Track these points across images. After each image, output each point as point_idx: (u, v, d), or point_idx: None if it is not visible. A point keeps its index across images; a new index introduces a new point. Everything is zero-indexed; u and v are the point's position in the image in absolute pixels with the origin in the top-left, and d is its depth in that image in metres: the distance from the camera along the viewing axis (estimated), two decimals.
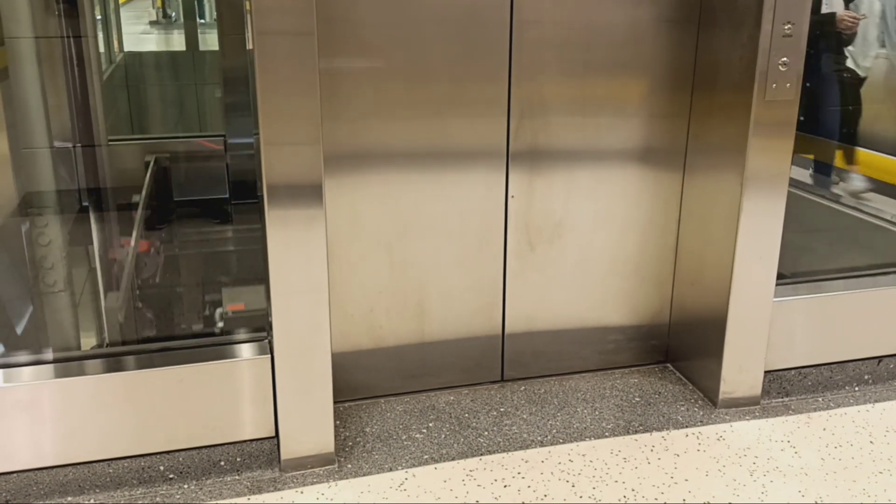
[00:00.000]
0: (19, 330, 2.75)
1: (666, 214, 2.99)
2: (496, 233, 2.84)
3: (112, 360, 2.47)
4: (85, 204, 3.23)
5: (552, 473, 2.51)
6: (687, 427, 2.76)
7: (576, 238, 2.92)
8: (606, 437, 2.71)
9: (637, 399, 2.92)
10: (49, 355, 2.47)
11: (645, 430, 2.74)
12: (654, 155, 2.91)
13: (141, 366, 2.42)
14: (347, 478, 2.49)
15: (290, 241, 2.33)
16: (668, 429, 2.75)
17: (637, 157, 2.91)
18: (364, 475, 2.50)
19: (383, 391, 2.88)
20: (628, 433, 2.72)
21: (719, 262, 2.79)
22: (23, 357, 2.45)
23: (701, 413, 2.84)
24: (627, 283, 3.03)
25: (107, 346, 2.55)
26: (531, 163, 2.80)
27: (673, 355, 3.13)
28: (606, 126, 2.85)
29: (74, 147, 3.42)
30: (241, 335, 2.50)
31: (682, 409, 2.87)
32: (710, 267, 2.85)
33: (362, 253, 2.73)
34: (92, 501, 2.40)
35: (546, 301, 2.96)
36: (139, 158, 3.70)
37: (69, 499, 2.40)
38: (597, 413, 2.83)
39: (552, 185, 2.85)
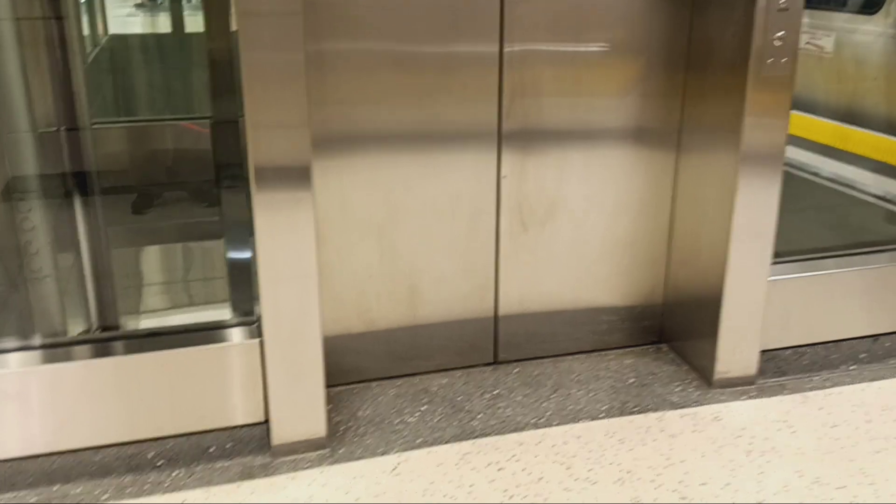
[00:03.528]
0: (5, 316, 2.71)
1: (660, 194, 2.95)
2: (488, 214, 2.80)
3: (100, 345, 2.44)
4: (70, 188, 3.18)
5: (547, 456, 2.49)
6: (682, 408, 2.74)
7: (569, 218, 2.88)
8: (601, 418, 2.68)
9: (632, 380, 2.90)
10: (35, 341, 2.44)
11: (640, 412, 2.72)
12: (648, 135, 2.88)
13: (129, 351, 2.38)
14: (340, 462, 2.45)
15: (278, 225, 2.28)
16: (663, 410, 2.73)
17: (631, 137, 2.87)
18: (356, 460, 2.47)
19: (375, 375, 2.85)
20: (623, 414, 2.70)
21: (714, 241, 2.76)
22: (8, 343, 2.41)
23: (696, 393, 2.82)
24: (621, 264, 3.00)
25: (94, 332, 2.52)
26: (523, 143, 2.76)
27: (668, 336, 3.11)
28: (599, 106, 2.81)
29: (58, 131, 3.36)
30: (231, 319, 2.46)
31: (678, 389, 2.84)
32: (705, 246, 2.82)
33: (352, 236, 2.69)
34: (80, 489, 2.36)
35: (539, 282, 2.93)
36: (124, 142, 3.65)
37: (56, 487, 2.36)
38: (591, 395, 2.81)
39: (545, 165, 2.81)
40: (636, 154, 2.89)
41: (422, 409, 2.71)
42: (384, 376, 2.85)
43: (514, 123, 2.73)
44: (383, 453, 2.49)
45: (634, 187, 2.92)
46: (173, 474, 2.41)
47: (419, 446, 2.53)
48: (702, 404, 2.76)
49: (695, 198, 2.87)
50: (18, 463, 2.34)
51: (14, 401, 2.30)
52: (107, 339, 2.50)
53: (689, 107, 2.84)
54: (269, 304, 2.34)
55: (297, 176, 2.26)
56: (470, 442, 2.55)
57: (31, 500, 2.31)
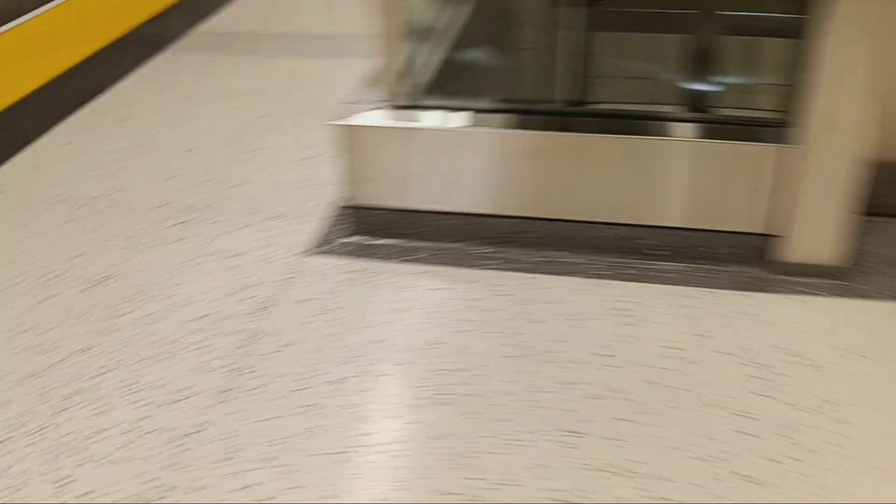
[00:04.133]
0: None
1: None
2: None
3: (598, 122, 2.39)
4: None
5: None
6: None
7: None
8: None
9: None
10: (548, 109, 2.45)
11: None
12: None
13: (652, 133, 2.31)
14: (847, 296, 2.25)
15: (845, 32, 2.02)
16: None
17: None
18: (865, 298, 2.25)
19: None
20: None
21: None
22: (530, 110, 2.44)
23: None
24: None
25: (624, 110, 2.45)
26: None
27: None
28: None
29: None
30: (770, 118, 2.28)
31: None
32: None
33: None
34: (576, 259, 2.40)
35: None
36: None
37: (550, 253, 2.43)
38: None
39: None
40: None
41: None
42: None
43: None
44: (893, 298, 2.26)
45: None
46: (669, 265, 2.37)
47: None
48: None
49: None
50: (515, 222, 2.44)
51: (529, 162, 2.36)
52: (636, 117, 2.43)
53: None
54: (818, 114, 2.12)
55: None
56: None
57: (532, 261, 2.41)
